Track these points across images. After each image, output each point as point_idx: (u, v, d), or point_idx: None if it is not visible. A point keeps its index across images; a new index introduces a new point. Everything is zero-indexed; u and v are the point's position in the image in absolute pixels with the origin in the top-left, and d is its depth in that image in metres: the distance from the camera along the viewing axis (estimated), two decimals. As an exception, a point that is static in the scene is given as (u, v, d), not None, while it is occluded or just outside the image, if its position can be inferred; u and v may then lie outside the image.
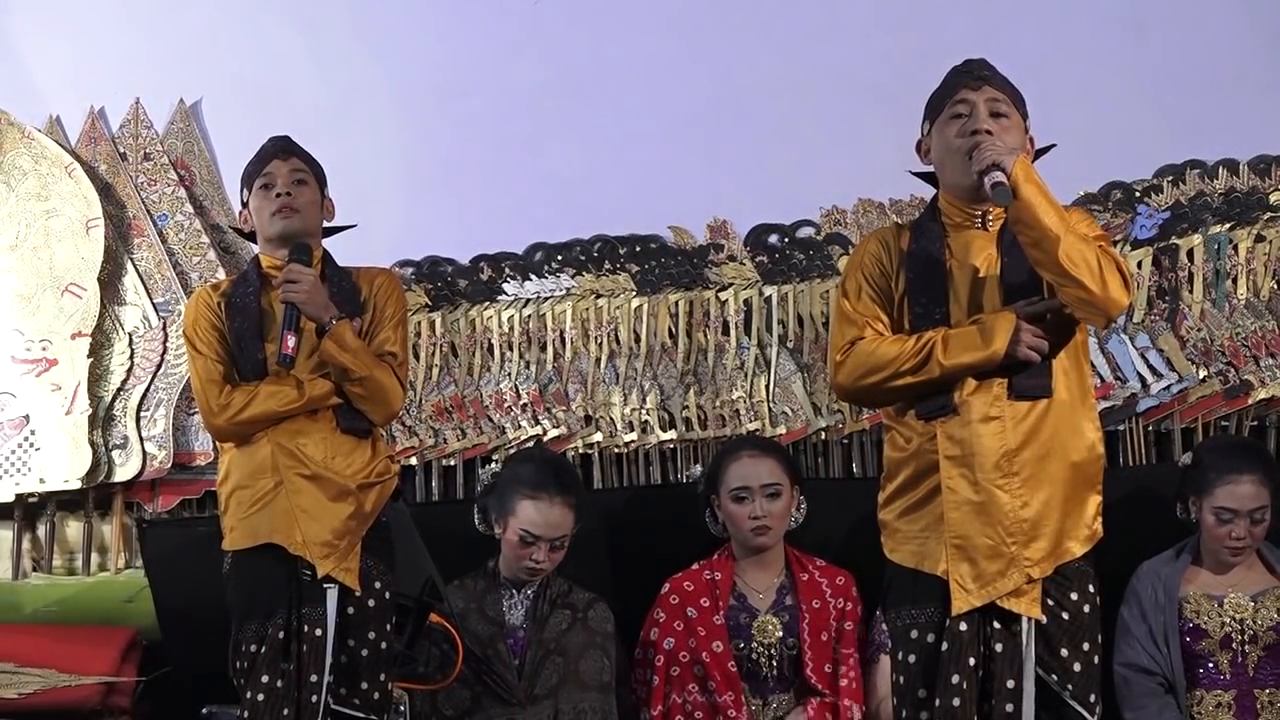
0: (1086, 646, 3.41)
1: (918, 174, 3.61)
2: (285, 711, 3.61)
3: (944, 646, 3.37)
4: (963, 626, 3.37)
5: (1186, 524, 4.10)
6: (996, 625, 3.37)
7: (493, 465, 4.45)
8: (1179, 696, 3.98)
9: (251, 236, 3.92)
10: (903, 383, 3.41)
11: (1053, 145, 3.54)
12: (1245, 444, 4.48)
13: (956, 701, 3.34)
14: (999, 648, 3.37)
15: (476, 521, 4.20)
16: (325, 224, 3.92)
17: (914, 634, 3.42)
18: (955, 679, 3.35)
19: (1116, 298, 3.34)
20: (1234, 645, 3.98)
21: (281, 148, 3.86)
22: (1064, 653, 3.39)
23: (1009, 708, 3.35)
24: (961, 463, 3.38)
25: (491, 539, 4.21)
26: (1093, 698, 3.42)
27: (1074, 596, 3.41)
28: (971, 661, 3.36)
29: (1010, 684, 3.36)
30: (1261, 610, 4.00)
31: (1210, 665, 4.00)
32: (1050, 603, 3.38)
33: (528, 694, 4.07)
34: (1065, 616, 3.40)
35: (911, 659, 3.43)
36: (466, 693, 4.08)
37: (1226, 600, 4.01)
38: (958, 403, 3.39)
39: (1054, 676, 3.38)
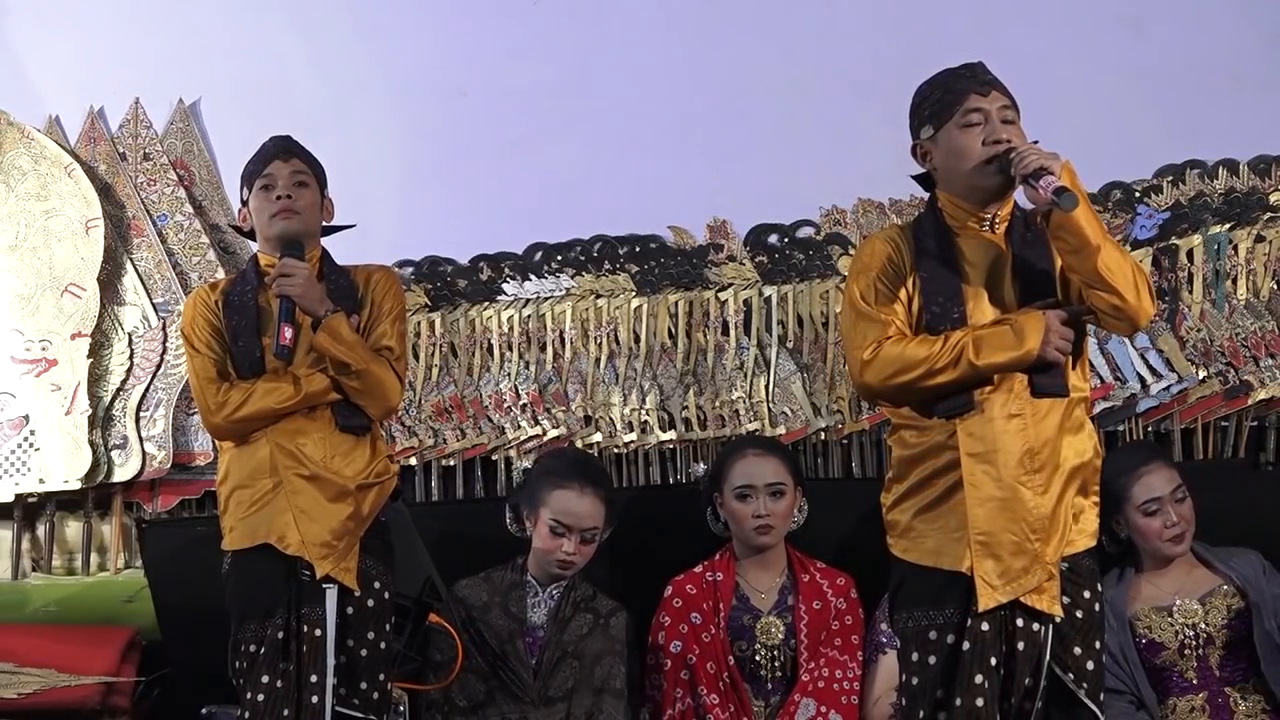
0: (1097, 645, 3.43)
1: (917, 177, 3.60)
2: (285, 712, 3.62)
3: (965, 646, 3.36)
4: (985, 627, 3.36)
5: (1122, 551, 4.10)
6: (1019, 624, 3.37)
7: (523, 463, 4.47)
8: (1150, 710, 3.99)
9: (251, 234, 3.92)
10: (935, 382, 3.41)
11: None
12: (1139, 443, 4.58)
13: (980, 701, 3.34)
14: (1020, 647, 3.37)
15: (508, 521, 4.22)
16: (325, 224, 3.92)
17: (933, 635, 3.40)
18: (979, 679, 3.35)
19: (1147, 308, 3.40)
20: (1189, 651, 4.00)
21: (283, 148, 3.86)
22: (1077, 650, 3.40)
23: (1026, 705, 3.36)
24: (985, 459, 3.38)
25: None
26: (1102, 695, 3.44)
27: (1086, 595, 3.43)
28: (993, 661, 3.36)
29: (1028, 682, 3.37)
30: (1211, 612, 4.02)
31: (1175, 674, 4.01)
32: (1066, 600, 3.39)
33: (541, 694, 4.08)
34: (1079, 615, 3.41)
35: (931, 660, 3.40)
36: (481, 686, 4.10)
37: (1175, 609, 4.04)
38: (979, 400, 3.40)
39: (1070, 675, 3.39)
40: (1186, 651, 4.01)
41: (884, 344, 3.45)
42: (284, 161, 3.82)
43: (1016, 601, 3.36)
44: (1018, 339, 3.37)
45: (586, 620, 4.16)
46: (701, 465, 4.52)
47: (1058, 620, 3.37)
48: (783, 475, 4.19)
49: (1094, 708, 3.39)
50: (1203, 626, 4.01)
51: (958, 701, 3.34)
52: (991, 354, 3.37)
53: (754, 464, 4.19)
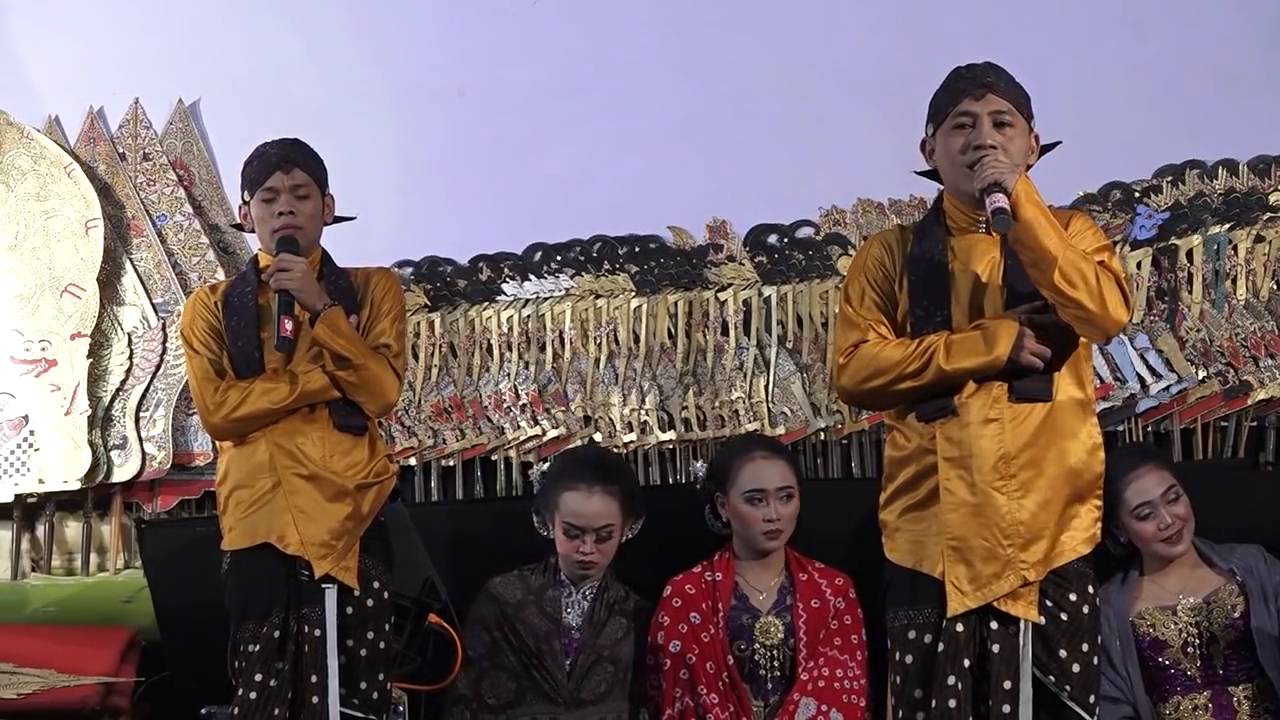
0: (1085, 647, 3.42)
1: (923, 173, 3.61)
2: (276, 711, 3.62)
3: (940, 647, 3.37)
4: (959, 627, 3.37)
5: (1125, 554, 4.10)
6: (994, 626, 3.37)
7: (542, 465, 4.49)
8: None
9: (253, 230, 3.93)
10: (905, 386, 3.42)
11: (1058, 142, 3.55)
12: (1132, 446, 4.55)
13: (952, 703, 3.35)
14: (996, 649, 3.37)
15: (536, 525, 4.21)
16: (326, 222, 3.93)
17: (911, 634, 3.43)
18: (950, 680, 3.36)
19: (1115, 316, 3.36)
20: (1193, 649, 3.99)
21: (283, 158, 3.84)
22: (1062, 654, 3.39)
23: (1006, 709, 3.35)
24: (960, 464, 3.39)
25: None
26: (1092, 699, 3.44)
27: (1073, 597, 3.42)
28: (966, 663, 3.37)
29: (1007, 685, 3.36)
30: (1215, 610, 4.01)
31: (1179, 671, 4.00)
32: (1049, 604, 3.39)
33: (574, 696, 4.09)
34: (1064, 617, 3.40)
35: (909, 659, 3.43)
36: (512, 684, 4.11)
37: (1179, 608, 4.02)
38: (957, 405, 3.40)
39: (1052, 678, 3.38)
40: (1190, 650, 4.00)
41: (861, 347, 3.47)
42: (284, 174, 3.82)
43: (991, 604, 3.36)
44: (988, 345, 3.37)
45: (621, 624, 4.17)
46: (701, 464, 4.50)
47: (1040, 623, 3.37)
48: (790, 478, 4.19)
49: (1080, 711, 3.39)
50: (1206, 625, 4.00)
51: (933, 703, 3.35)
52: (961, 359, 3.38)
53: (764, 467, 4.17)
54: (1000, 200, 3.28)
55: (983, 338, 3.38)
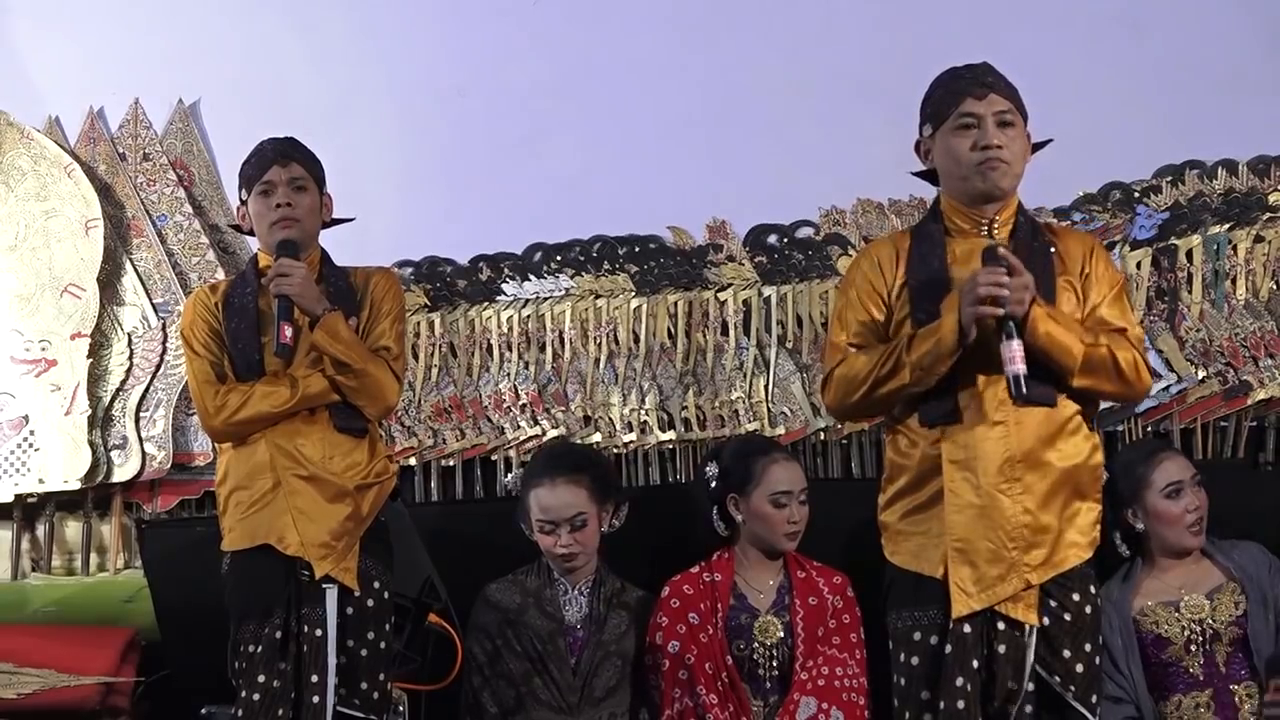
0: (1088, 647, 3.42)
1: (918, 174, 3.61)
2: (280, 711, 3.63)
3: (947, 648, 3.37)
4: (966, 629, 3.37)
5: (1133, 546, 4.09)
6: (1000, 627, 3.37)
7: (515, 472, 4.50)
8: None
9: (251, 232, 3.93)
10: (885, 390, 3.42)
11: (1049, 140, 3.55)
12: (1146, 439, 4.59)
13: (960, 704, 3.35)
14: (1001, 649, 3.37)
15: (525, 533, 4.21)
16: (324, 221, 3.93)
17: (917, 636, 3.43)
18: (959, 681, 3.35)
19: (1139, 390, 3.47)
20: (1195, 646, 3.99)
21: (280, 152, 3.85)
22: (1066, 654, 3.40)
23: (1009, 709, 3.35)
24: (965, 467, 3.38)
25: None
26: (1094, 698, 3.44)
27: (1075, 598, 3.42)
28: (975, 664, 3.36)
29: (1012, 685, 3.36)
30: (1218, 607, 4.00)
31: (1181, 669, 4.00)
32: (1052, 604, 3.39)
33: (583, 694, 4.08)
34: (1067, 618, 3.40)
35: (915, 661, 3.43)
36: (512, 691, 4.10)
37: (1182, 604, 4.02)
38: (962, 408, 3.39)
39: (1056, 678, 3.39)
40: (1193, 647, 4.00)
41: (838, 367, 3.47)
42: (282, 167, 3.83)
43: (995, 606, 3.36)
44: (937, 323, 3.35)
45: (623, 617, 4.17)
46: (714, 465, 4.42)
47: (1042, 625, 3.37)
48: (804, 481, 4.21)
49: (1084, 710, 3.39)
50: (1209, 622, 4.00)
51: (941, 705, 3.35)
52: (919, 345, 3.36)
53: (787, 470, 4.18)
54: (1017, 366, 3.24)
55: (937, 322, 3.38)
